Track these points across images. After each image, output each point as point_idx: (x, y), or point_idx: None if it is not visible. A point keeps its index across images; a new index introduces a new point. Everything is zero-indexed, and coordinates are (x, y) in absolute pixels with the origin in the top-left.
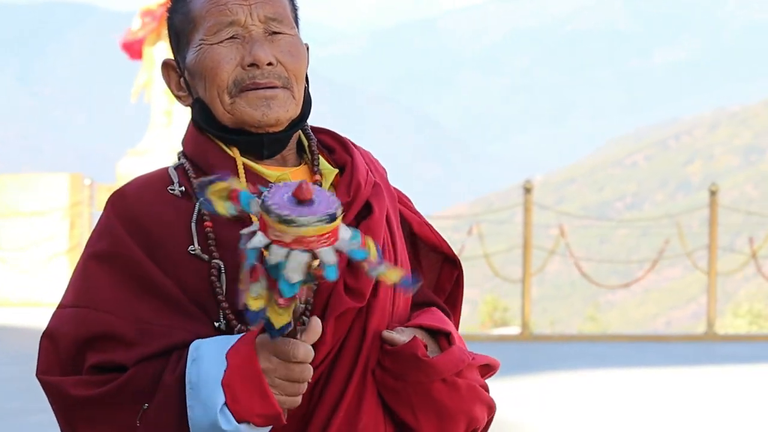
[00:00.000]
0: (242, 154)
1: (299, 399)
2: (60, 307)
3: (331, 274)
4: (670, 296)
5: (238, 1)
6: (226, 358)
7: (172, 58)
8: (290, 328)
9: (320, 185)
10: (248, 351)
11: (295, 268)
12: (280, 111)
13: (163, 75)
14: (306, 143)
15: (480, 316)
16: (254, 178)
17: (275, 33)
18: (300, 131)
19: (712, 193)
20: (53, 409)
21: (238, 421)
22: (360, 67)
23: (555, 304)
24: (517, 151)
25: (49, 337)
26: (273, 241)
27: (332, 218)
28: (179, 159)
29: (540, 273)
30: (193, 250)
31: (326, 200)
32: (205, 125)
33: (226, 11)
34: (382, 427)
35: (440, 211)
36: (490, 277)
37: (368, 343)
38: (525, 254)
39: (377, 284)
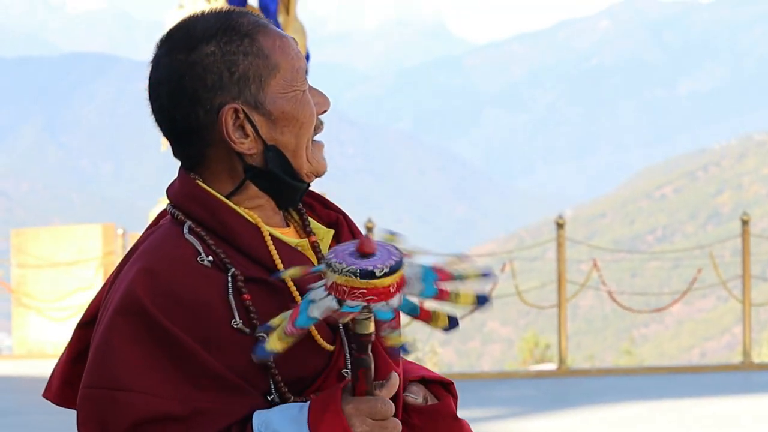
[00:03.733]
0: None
1: None
2: (89, 387)
3: (387, 316)
4: (703, 327)
5: (298, 50)
6: (311, 430)
7: (225, 102)
8: (367, 380)
9: (319, 247)
10: (340, 421)
11: (364, 318)
12: None
13: (221, 119)
14: None
15: (521, 354)
16: (278, 244)
17: None
18: None
19: (744, 222)
20: None
21: None
22: (386, 107)
23: (588, 339)
24: (544, 186)
25: (89, 424)
26: (344, 298)
27: (397, 266)
28: (176, 216)
29: (573, 308)
30: (236, 324)
31: (387, 251)
32: (282, 172)
33: (300, 60)
34: None
35: (471, 249)
36: (524, 314)
37: (401, 403)
38: (559, 289)
39: None
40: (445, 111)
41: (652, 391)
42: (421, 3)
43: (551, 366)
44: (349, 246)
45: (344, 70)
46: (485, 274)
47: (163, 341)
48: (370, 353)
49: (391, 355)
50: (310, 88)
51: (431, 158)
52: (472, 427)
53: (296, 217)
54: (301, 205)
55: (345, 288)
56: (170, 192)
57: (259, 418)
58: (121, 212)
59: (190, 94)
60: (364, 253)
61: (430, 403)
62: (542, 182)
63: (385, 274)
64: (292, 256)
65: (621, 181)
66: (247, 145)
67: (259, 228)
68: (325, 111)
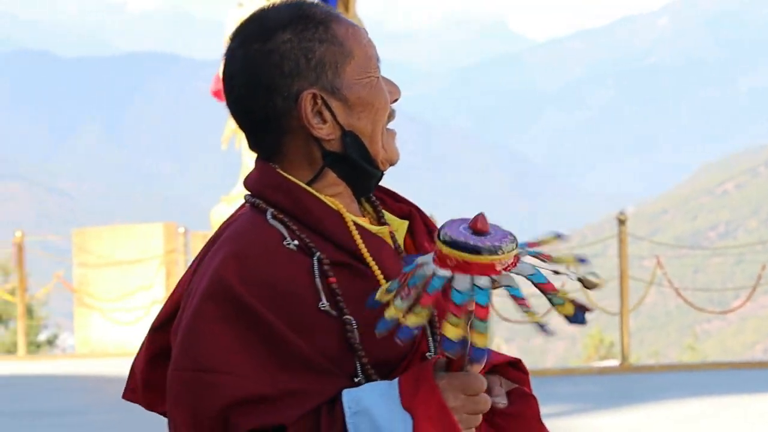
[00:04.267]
0: (347, 192)
1: (474, 431)
2: (180, 369)
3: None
4: (767, 324)
5: (368, 38)
6: (406, 408)
7: (302, 88)
8: (464, 351)
9: (394, 238)
10: (435, 396)
11: (510, 279)
12: None
13: (300, 105)
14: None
15: (585, 350)
16: (361, 231)
17: None
18: None
19: None
20: None
21: None
22: (446, 105)
23: (652, 335)
24: (604, 184)
25: (181, 406)
26: (457, 272)
27: (512, 243)
28: (256, 205)
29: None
30: (323, 307)
31: (500, 230)
32: (360, 158)
33: (372, 48)
34: None
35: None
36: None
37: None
38: (622, 286)
39: None
40: (505, 108)
41: (716, 387)
42: (482, 1)
43: (614, 362)
44: (461, 223)
45: (404, 69)
46: (582, 260)
47: (253, 324)
48: (468, 330)
49: (472, 356)
50: (382, 76)
51: (491, 156)
52: None
53: (369, 208)
54: (374, 197)
55: (460, 262)
56: (249, 182)
57: (348, 395)
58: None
59: (266, 82)
60: (478, 231)
61: (505, 388)
62: (602, 180)
63: (504, 251)
64: (374, 241)
65: (681, 178)
66: (325, 131)
67: (342, 214)
68: (396, 99)
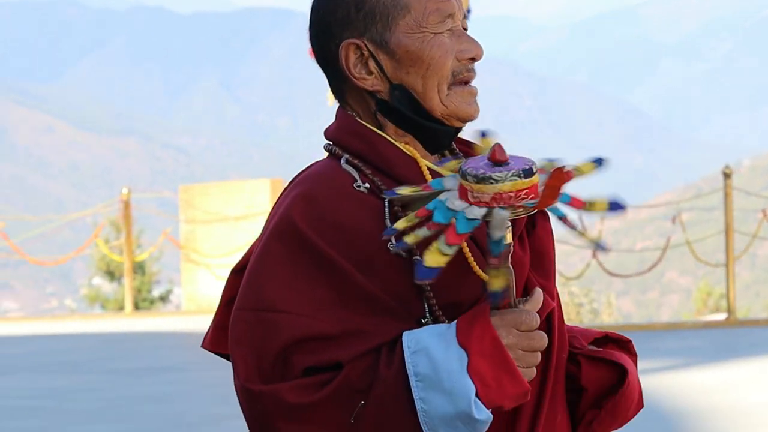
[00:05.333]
0: (418, 143)
1: (535, 370)
2: (243, 309)
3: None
4: None
5: None
6: (461, 344)
7: (350, 37)
8: (507, 295)
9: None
10: (488, 331)
11: (497, 225)
12: (479, 107)
13: (340, 54)
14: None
15: (696, 304)
16: (435, 174)
17: (465, 28)
18: None
19: None
20: (256, 418)
21: (487, 406)
22: (562, 59)
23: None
24: (721, 137)
25: (244, 345)
26: (472, 203)
27: (528, 173)
28: (333, 152)
29: (751, 258)
30: (393, 248)
31: (521, 160)
32: (408, 111)
33: (445, 4)
34: (567, 415)
35: (650, 199)
36: (702, 264)
37: (556, 339)
38: (727, 239)
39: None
40: (622, 62)
41: None
42: None
43: (722, 316)
44: (482, 158)
45: (519, 23)
46: (614, 207)
47: (318, 263)
48: (510, 266)
49: (488, 298)
50: (462, 34)
51: (608, 109)
52: (641, 378)
53: (453, 161)
54: (457, 150)
55: (510, 194)
56: (328, 131)
57: (409, 336)
58: (298, 167)
59: (324, 27)
60: (496, 161)
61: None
62: (718, 133)
63: (523, 177)
64: None
65: None
66: (370, 82)
67: (416, 159)
68: (472, 58)
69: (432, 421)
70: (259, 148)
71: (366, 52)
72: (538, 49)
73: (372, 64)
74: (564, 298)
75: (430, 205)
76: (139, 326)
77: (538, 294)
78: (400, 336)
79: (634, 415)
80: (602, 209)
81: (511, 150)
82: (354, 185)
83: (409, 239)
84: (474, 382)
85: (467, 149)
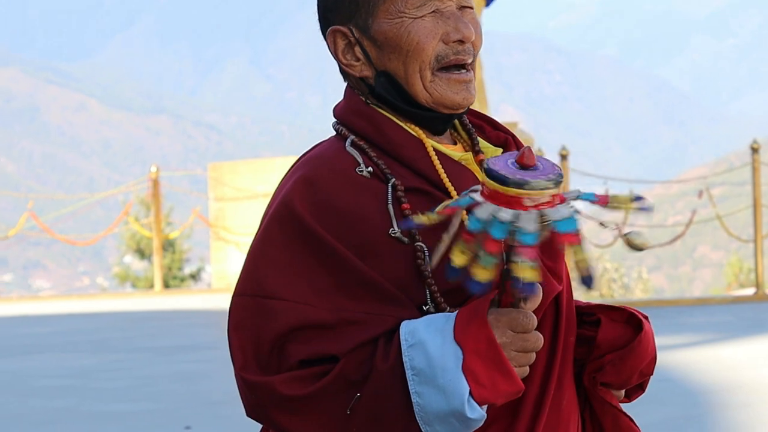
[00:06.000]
0: (417, 126)
1: (528, 369)
2: (242, 295)
3: (565, 226)
4: None
5: None
6: (457, 341)
7: (337, 24)
8: (491, 288)
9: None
10: (485, 331)
11: (529, 220)
12: (474, 93)
13: (328, 42)
14: (457, 121)
15: (726, 278)
16: (442, 157)
17: (464, 7)
18: None
19: None
20: (252, 406)
21: (480, 404)
22: (592, 34)
23: None
24: (751, 111)
25: (241, 330)
26: (503, 207)
27: (557, 182)
28: (340, 132)
29: None
30: (394, 233)
31: (550, 166)
32: (393, 98)
33: None
34: (575, 397)
35: (681, 174)
36: (734, 239)
37: (564, 321)
38: (755, 214)
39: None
40: (651, 37)
41: None
42: None
43: (750, 291)
44: (509, 158)
45: None
46: (640, 205)
47: (317, 249)
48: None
49: (516, 289)
50: (451, 15)
51: (639, 85)
52: (669, 354)
53: (465, 136)
54: (470, 125)
55: (491, 191)
56: (336, 109)
57: (406, 327)
58: None
59: (320, 13)
60: (524, 165)
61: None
62: (749, 107)
63: (553, 184)
64: (455, 168)
65: None
66: (358, 68)
67: (422, 140)
68: (460, 40)
69: (427, 416)
70: (289, 125)
71: (353, 39)
72: (568, 25)
73: (358, 51)
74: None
75: (455, 204)
76: (168, 304)
77: (538, 293)
78: (398, 327)
79: (640, 379)
80: (627, 204)
81: (545, 126)
82: (356, 169)
83: (458, 259)
84: (468, 381)
85: (481, 122)
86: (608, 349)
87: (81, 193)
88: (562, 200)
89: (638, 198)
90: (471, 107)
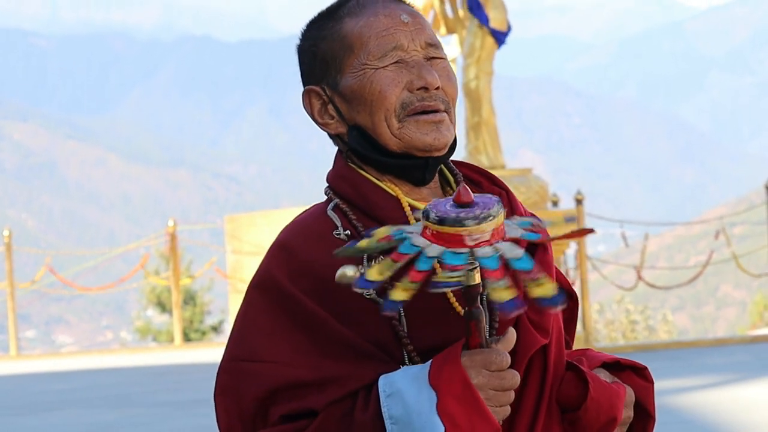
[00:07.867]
0: (399, 179)
1: (509, 408)
2: (229, 360)
3: (492, 264)
4: None
5: (399, 27)
6: (431, 385)
7: (312, 85)
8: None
9: None
10: (458, 372)
11: (456, 257)
12: (447, 134)
13: (304, 103)
14: (449, 175)
15: (750, 317)
16: (417, 213)
17: (433, 58)
18: (442, 163)
19: None
20: None
21: None
22: (609, 76)
23: None
24: None
25: (226, 394)
26: (434, 242)
27: (483, 219)
28: (327, 194)
29: None
30: (368, 295)
31: (486, 201)
32: (366, 151)
33: (390, 36)
34: None
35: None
36: (756, 277)
37: (551, 375)
38: None
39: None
40: (670, 77)
41: None
42: None
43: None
44: (448, 199)
45: (566, 41)
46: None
47: (296, 313)
48: (480, 305)
49: (500, 309)
50: (415, 64)
51: (658, 125)
52: (688, 396)
53: (452, 190)
54: (461, 178)
55: (445, 235)
56: (328, 173)
57: (384, 379)
58: None
59: (302, 76)
60: (462, 204)
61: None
62: None
63: (483, 220)
64: None
65: None
66: (333, 126)
67: (399, 199)
68: (423, 87)
69: None
70: (311, 174)
71: (325, 98)
72: (586, 67)
73: (331, 109)
74: (619, 316)
75: (396, 234)
76: (188, 358)
77: (511, 334)
78: (377, 380)
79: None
80: (548, 293)
81: (564, 169)
82: (334, 233)
83: (373, 272)
84: (443, 422)
85: (481, 178)
86: (564, 408)
87: (101, 248)
88: (502, 236)
89: (571, 218)
90: (478, 163)
